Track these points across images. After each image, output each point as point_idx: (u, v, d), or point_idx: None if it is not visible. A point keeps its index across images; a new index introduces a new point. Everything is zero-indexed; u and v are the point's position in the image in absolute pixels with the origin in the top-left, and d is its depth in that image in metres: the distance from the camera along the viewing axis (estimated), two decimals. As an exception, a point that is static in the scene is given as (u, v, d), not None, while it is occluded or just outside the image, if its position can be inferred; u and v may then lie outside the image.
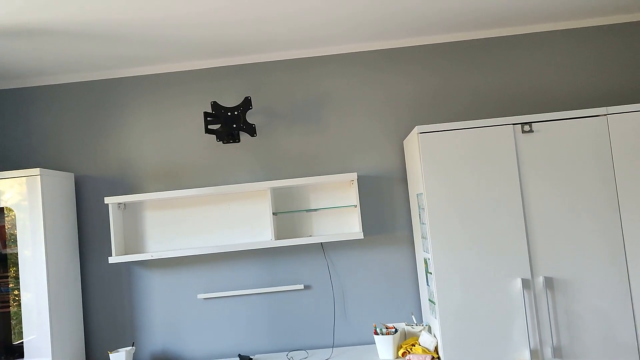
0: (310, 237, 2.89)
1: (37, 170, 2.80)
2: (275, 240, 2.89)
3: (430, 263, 2.58)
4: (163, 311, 3.11)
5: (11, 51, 2.76)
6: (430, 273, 2.61)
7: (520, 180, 2.56)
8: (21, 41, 2.64)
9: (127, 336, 3.11)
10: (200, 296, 3.09)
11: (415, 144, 2.66)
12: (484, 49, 3.15)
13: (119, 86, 3.23)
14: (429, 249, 2.57)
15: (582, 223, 2.53)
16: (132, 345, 3.00)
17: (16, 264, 2.85)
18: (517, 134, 2.58)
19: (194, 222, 3.11)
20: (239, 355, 2.89)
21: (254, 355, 3.03)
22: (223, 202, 3.11)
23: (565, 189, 2.55)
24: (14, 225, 2.86)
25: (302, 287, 3.08)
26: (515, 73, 3.13)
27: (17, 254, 2.81)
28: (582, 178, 2.55)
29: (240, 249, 2.95)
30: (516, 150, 2.57)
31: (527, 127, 2.57)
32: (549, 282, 2.51)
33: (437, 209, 2.56)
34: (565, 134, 2.57)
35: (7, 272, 2.96)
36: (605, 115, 2.57)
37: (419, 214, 2.79)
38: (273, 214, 2.93)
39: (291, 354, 2.97)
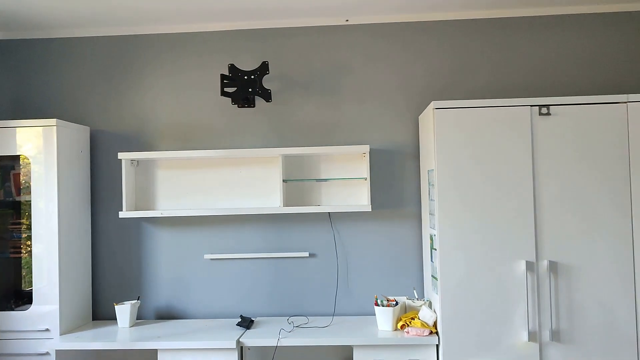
0: (319, 207, 2.90)
1: (53, 121, 2.83)
2: (283, 207, 2.91)
3: (436, 239, 2.59)
4: (169, 269, 3.17)
5: (32, 0, 2.76)
6: (435, 249, 2.63)
7: (533, 162, 2.54)
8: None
9: (133, 290, 3.18)
10: (207, 256, 3.13)
11: (431, 119, 2.64)
12: (504, 29, 3.09)
13: (137, 43, 3.23)
14: (436, 225, 2.58)
15: (592, 210, 2.52)
16: (137, 299, 3.07)
17: (29, 214, 2.90)
18: (534, 115, 2.55)
19: (205, 183, 3.14)
20: (241, 316, 2.94)
21: (255, 317, 3.09)
22: (234, 166, 3.13)
23: (578, 174, 2.53)
24: (28, 175, 2.91)
25: (307, 255, 3.12)
26: (534, 55, 3.07)
27: (30, 202, 2.86)
28: (597, 165, 2.52)
29: (249, 213, 2.97)
30: (531, 132, 2.54)
31: (544, 110, 2.54)
32: (553, 267, 2.51)
33: (447, 186, 2.56)
34: (583, 119, 2.53)
35: (20, 219, 3.03)
36: (625, 102, 2.53)
37: (429, 191, 2.79)
38: (283, 181, 2.95)
39: (292, 318, 3.01)
